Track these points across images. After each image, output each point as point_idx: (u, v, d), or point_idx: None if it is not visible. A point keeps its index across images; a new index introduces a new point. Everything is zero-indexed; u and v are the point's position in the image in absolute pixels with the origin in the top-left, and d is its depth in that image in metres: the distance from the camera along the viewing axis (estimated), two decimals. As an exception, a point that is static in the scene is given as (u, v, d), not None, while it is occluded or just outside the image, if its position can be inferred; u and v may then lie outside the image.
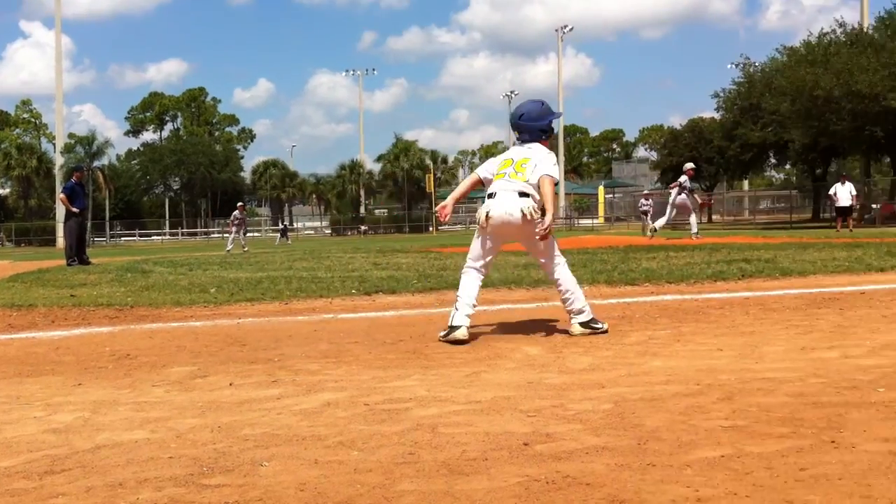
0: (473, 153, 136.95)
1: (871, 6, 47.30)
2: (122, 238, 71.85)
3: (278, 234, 50.93)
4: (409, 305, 7.34)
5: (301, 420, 3.29)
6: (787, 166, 67.66)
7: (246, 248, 28.12)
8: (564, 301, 5.33)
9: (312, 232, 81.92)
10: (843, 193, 27.57)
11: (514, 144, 5.67)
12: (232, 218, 30.81)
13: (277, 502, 2.37)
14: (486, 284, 8.42)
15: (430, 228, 65.16)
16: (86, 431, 3.24)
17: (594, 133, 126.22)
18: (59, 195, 22.14)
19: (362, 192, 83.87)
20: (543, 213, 5.14)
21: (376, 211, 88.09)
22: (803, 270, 9.05)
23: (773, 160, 58.72)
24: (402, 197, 78.25)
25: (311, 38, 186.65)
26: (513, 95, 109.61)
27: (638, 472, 2.49)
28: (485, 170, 5.58)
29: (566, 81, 78.63)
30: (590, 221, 67.49)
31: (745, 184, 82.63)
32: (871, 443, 2.68)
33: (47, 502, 2.43)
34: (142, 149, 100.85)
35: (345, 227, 74.72)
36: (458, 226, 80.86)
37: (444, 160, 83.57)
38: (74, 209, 16.97)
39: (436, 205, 72.19)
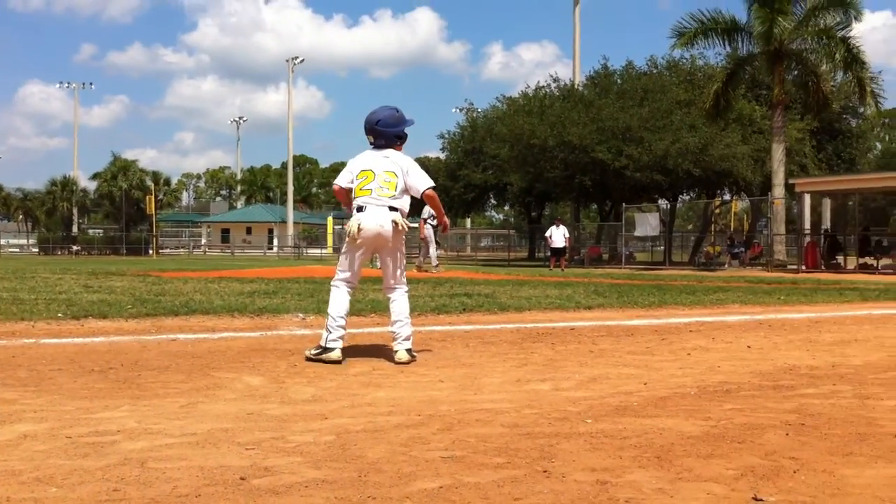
0: (199, 176, 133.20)
1: (582, 65, 51.13)
2: None
3: (-23, 252, 46.63)
4: (121, 332, 6.90)
5: (-11, 456, 2.95)
6: (507, 207, 71.49)
7: (-63, 265, 25.42)
8: (394, 324, 5.48)
9: (18, 250, 75.63)
10: (558, 236, 29.60)
11: (370, 149, 5.62)
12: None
13: (-48, 551, 2.08)
14: (206, 311, 8.17)
15: (150, 251, 62.23)
16: None
17: (324, 164, 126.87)
18: None
19: (75, 211, 78.76)
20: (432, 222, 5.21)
21: (91, 231, 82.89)
22: (519, 306, 9.52)
23: (493, 201, 61.88)
24: (119, 217, 74.14)
25: (23, 45, 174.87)
26: (241, 121, 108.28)
27: (358, 505, 2.44)
28: (345, 180, 5.57)
29: (297, 112, 78.56)
30: (318, 251, 67.45)
31: (468, 221, 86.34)
32: (580, 472, 2.80)
33: None
34: None
35: (55, 246, 69.59)
36: (181, 250, 78.12)
37: (167, 182, 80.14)
38: None
39: (157, 227, 68.90)
